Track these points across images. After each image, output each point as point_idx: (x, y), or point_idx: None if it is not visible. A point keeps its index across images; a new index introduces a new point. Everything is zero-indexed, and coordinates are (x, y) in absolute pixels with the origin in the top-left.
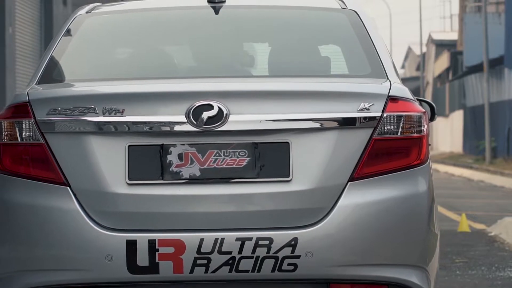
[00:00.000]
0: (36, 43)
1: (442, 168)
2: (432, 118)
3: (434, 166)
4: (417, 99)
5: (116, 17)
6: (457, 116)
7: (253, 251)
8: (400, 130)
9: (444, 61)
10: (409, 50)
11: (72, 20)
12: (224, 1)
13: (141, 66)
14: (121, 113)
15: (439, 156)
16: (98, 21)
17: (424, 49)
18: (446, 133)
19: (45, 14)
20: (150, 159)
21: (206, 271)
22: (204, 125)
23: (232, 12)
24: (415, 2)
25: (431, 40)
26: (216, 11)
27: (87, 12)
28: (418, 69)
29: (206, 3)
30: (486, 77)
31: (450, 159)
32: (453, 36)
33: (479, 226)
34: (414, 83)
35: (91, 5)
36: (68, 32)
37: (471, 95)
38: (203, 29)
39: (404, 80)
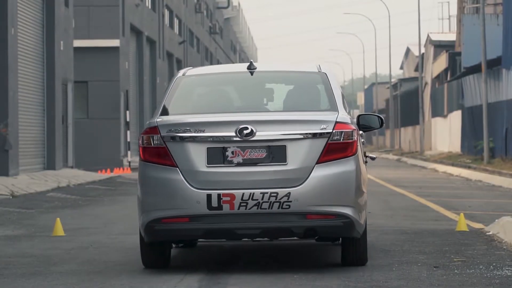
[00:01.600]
0: (38, 43)
1: (440, 168)
2: (381, 126)
3: (433, 166)
4: (369, 114)
5: (199, 77)
6: (455, 117)
7: (268, 199)
8: (341, 138)
9: (442, 62)
10: (408, 50)
11: (175, 80)
12: (255, 68)
13: (213, 105)
14: (203, 131)
15: (438, 156)
16: (189, 80)
17: (423, 50)
18: (445, 133)
19: (47, 15)
20: (217, 154)
21: (245, 208)
22: (244, 137)
23: (259, 74)
24: (414, 4)
25: (429, 41)
26: (252, 73)
27: (183, 75)
28: (416, 69)
29: (246, 69)
30: (484, 78)
31: (449, 159)
32: (452, 37)
33: (477, 225)
34: (412, 83)
35: (185, 69)
36: (173, 87)
37: (469, 95)
38: (245, 83)
39: (403, 81)
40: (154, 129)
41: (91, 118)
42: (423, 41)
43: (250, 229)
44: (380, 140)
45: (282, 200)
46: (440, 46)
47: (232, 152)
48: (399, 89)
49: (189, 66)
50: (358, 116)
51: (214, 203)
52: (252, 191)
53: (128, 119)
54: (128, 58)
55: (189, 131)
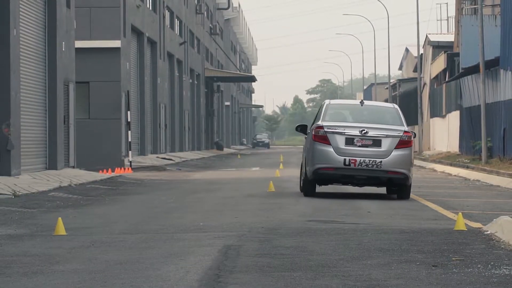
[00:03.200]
0: (40, 44)
1: (439, 167)
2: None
3: (432, 165)
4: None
5: (337, 104)
6: (454, 117)
7: (371, 163)
8: (406, 138)
9: (441, 63)
10: (407, 51)
11: (325, 104)
12: (363, 103)
13: (347, 118)
14: (344, 129)
15: (436, 156)
16: (334, 105)
17: (421, 51)
18: (443, 133)
19: (48, 16)
20: (350, 141)
21: (360, 166)
22: (364, 134)
23: (366, 105)
24: (413, 5)
25: (428, 42)
26: (361, 105)
27: (329, 102)
28: (415, 70)
29: (359, 103)
30: (482, 78)
31: (447, 158)
32: (450, 38)
33: (475, 224)
34: (411, 84)
35: (328, 100)
36: (324, 108)
37: (467, 96)
38: (359, 110)
39: (402, 81)
40: (320, 127)
41: (92, 118)
42: (421, 42)
43: (361, 176)
44: None
45: (377, 164)
46: (438, 47)
47: (357, 140)
48: (398, 90)
49: (191, 67)
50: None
51: (347, 163)
52: (364, 159)
53: (129, 119)
54: (129, 58)
55: (337, 130)
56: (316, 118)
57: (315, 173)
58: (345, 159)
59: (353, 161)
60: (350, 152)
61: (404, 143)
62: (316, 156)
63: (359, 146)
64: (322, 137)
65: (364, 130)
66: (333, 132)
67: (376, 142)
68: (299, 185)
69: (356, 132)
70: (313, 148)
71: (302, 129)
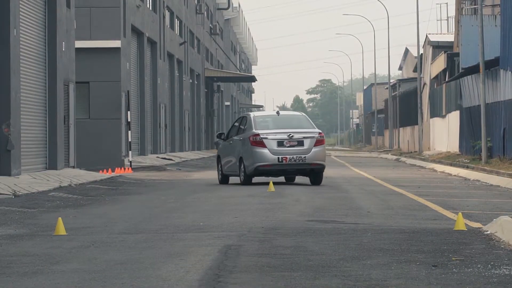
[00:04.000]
0: (40, 44)
1: (439, 167)
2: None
3: (432, 165)
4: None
5: (260, 116)
6: (454, 117)
7: (298, 159)
8: (321, 138)
9: (440, 63)
10: (407, 51)
11: (251, 116)
12: (279, 113)
13: (271, 126)
14: (275, 135)
15: (436, 156)
16: (258, 116)
17: (421, 51)
18: (443, 133)
19: (48, 16)
20: (280, 143)
21: (290, 162)
22: (291, 137)
23: (281, 115)
24: (413, 5)
25: (428, 42)
26: (278, 115)
27: (254, 115)
28: (415, 70)
29: (275, 113)
30: (482, 78)
31: (447, 159)
32: (450, 38)
33: (475, 224)
34: (411, 84)
35: (253, 112)
36: (253, 119)
37: (467, 96)
38: (277, 119)
39: (402, 81)
40: (257, 134)
41: (92, 118)
42: (421, 42)
43: (292, 169)
44: (379, 140)
45: (302, 159)
46: (438, 47)
47: (286, 142)
48: (398, 90)
49: (190, 67)
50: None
51: (280, 160)
52: (293, 156)
53: (129, 119)
54: (129, 58)
55: (270, 135)
56: (244, 128)
57: (256, 169)
58: (278, 157)
59: (285, 158)
60: (282, 152)
61: (319, 141)
62: (256, 157)
63: (288, 147)
64: (259, 142)
65: (291, 134)
66: (267, 138)
67: (300, 143)
68: (218, 179)
69: (284, 136)
70: (252, 151)
71: (220, 135)
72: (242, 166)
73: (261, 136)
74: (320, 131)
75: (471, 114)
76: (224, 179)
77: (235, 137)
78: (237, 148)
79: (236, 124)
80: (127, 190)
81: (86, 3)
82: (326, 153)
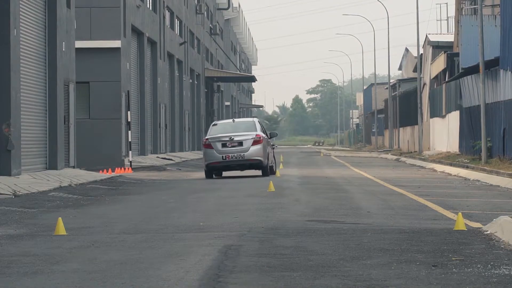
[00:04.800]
0: (40, 44)
1: (439, 167)
2: (272, 136)
3: (432, 165)
4: (271, 132)
5: (219, 123)
6: (454, 117)
7: (239, 156)
8: (258, 138)
9: (440, 63)
10: (407, 51)
11: (212, 125)
12: (234, 120)
13: (219, 132)
14: (220, 138)
15: (436, 156)
16: (217, 124)
17: (421, 51)
18: (443, 134)
19: (49, 16)
20: (224, 144)
21: (233, 159)
22: (232, 140)
23: (236, 122)
24: (412, 5)
25: (428, 42)
26: (233, 121)
27: (213, 124)
28: (415, 70)
29: (231, 120)
30: (482, 78)
31: (447, 158)
32: (450, 38)
33: (475, 224)
34: (411, 84)
35: (215, 121)
36: (211, 127)
37: (467, 96)
38: (231, 125)
39: (402, 81)
40: (207, 139)
41: (92, 118)
42: (421, 42)
43: (234, 164)
44: (379, 140)
45: (242, 156)
46: (438, 47)
47: (228, 144)
48: (398, 90)
49: (190, 67)
50: (270, 133)
51: (224, 158)
52: (234, 154)
53: (129, 119)
54: (129, 58)
55: (215, 139)
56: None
57: (208, 166)
58: (222, 156)
59: (227, 156)
60: (225, 151)
61: (256, 142)
62: (207, 156)
63: (230, 147)
64: (208, 145)
65: (232, 137)
66: (214, 141)
67: (240, 143)
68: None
69: (227, 139)
70: (204, 152)
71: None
72: (203, 164)
73: (209, 140)
74: (260, 133)
75: (471, 114)
76: (207, 174)
77: None
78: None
79: None
80: (127, 190)
81: (86, 3)
82: (326, 153)
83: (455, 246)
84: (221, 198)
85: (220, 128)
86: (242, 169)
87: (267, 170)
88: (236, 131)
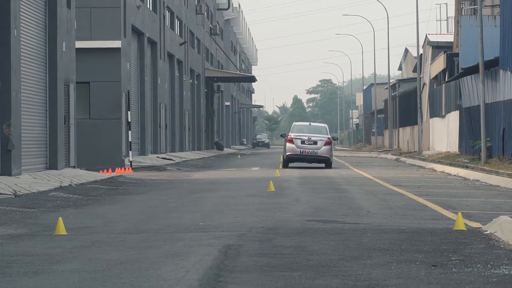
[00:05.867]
0: (41, 44)
1: (438, 167)
2: (334, 139)
3: (431, 165)
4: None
5: (299, 124)
6: (453, 117)
7: (313, 152)
8: (329, 141)
9: (440, 63)
10: (406, 52)
11: (293, 124)
12: (311, 124)
13: (303, 131)
14: (300, 136)
15: (436, 156)
16: (297, 125)
17: (421, 51)
18: (443, 133)
19: (49, 16)
20: (303, 142)
21: (308, 153)
22: (309, 139)
23: (312, 125)
24: (412, 5)
25: (427, 42)
26: (310, 125)
27: (294, 123)
28: (415, 70)
29: (308, 124)
30: (481, 79)
31: (447, 158)
32: (449, 38)
33: (474, 224)
34: (411, 84)
35: (295, 122)
36: (293, 126)
37: (467, 96)
38: (309, 127)
39: (402, 82)
40: (290, 135)
41: (93, 118)
42: (421, 42)
43: (308, 158)
44: (379, 140)
45: (315, 152)
46: (438, 47)
47: (306, 141)
48: (397, 90)
49: (190, 67)
50: (332, 137)
51: (301, 152)
52: (309, 150)
53: (129, 120)
54: (130, 59)
55: (297, 136)
56: (289, 131)
57: (288, 157)
58: (301, 150)
59: (304, 151)
60: (303, 147)
61: (327, 143)
62: (288, 149)
63: (307, 144)
64: (291, 140)
65: (310, 137)
66: (295, 138)
67: (315, 143)
68: (281, 164)
69: (306, 138)
70: (287, 145)
71: (283, 135)
72: (284, 155)
73: (291, 137)
74: (329, 136)
75: (471, 114)
76: (285, 164)
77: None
78: (284, 144)
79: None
80: (127, 190)
81: (87, 3)
82: None
83: (455, 246)
84: (221, 198)
85: (302, 129)
86: (314, 162)
87: (330, 165)
88: (312, 132)
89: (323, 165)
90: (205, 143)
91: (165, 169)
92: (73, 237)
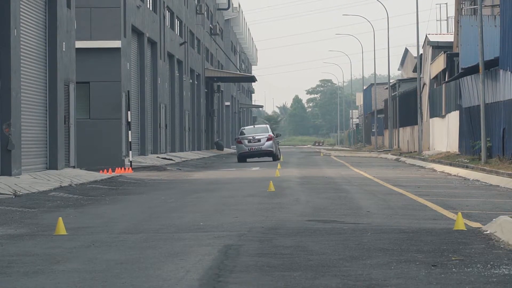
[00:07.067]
0: (41, 45)
1: (438, 167)
2: (277, 136)
3: (431, 165)
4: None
5: (246, 128)
6: (453, 117)
7: (258, 148)
8: (270, 138)
9: (440, 63)
10: (406, 52)
11: (241, 128)
12: (255, 126)
13: (249, 132)
14: (247, 137)
15: (436, 156)
16: (245, 129)
17: (421, 51)
18: (443, 133)
19: (49, 16)
20: (250, 141)
21: (255, 149)
22: (254, 138)
23: (256, 127)
24: (412, 5)
25: (427, 42)
26: (254, 127)
27: (242, 128)
28: (415, 70)
29: (253, 126)
30: (481, 79)
31: (447, 158)
32: (449, 38)
33: (474, 224)
34: (411, 84)
35: (243, 128)
36: (240, 131)
37: (467, 96)
38: (254, 128)
39: (402, 81)
40: (238, 137)
41: (93, 118)
42: (421, 42)
43: (255, 153)
44: (379, 140)
45: (260, 147)
46: (438, 47)
47: (252, 140)
48: (397, 90)
49: (190, 67)
50: (276, 134)
51: (249, 149)
52: (255, 147)
53: (129, 120)
54: (130, 59)
55: (244, 137)
56: (238, 134)
57: (240, 154)
58: (249, 148)
59: (252, 148)
60: (250, 145)
61: (269, 139)
62: (239, 148)
63: (253, 142)
64: (239, 141)
65: (254, 136)
66: (242, 139)
67: (259, 140)
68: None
69: (251, 137)
70: (237, 145)
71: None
72: (237, 154)
73: (239, 138)
74: (271, 133)
75: (471, 114)
76: (240, 161)
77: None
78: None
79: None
80: (127, 190)
81: (87, 3)
82: (326, 153)
83: (455, 246)
84: (221, 198)
85: (248, 131)
86: (260, 156)
87: (276, 156)
88: (256, 132)
89: (270, 158)
90: (205, 143)
91: (165, 169)
92: (73, 237)
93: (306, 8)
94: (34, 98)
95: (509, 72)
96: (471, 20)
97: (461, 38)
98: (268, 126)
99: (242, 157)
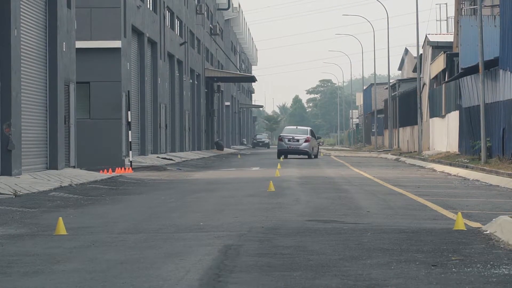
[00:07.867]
0: (41, 45)
1: (438, 167)
2: (318, 138)
3: (431, 165)
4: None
5: (288, 128)
6: (453, 117)
7: (296, 147)
8: (308, 139)
9: (440, 63)
10: (406, 52)
11: (284, 128)
12: (298, 127)
13: (290, 132)
14: (287, 136)
15: (436, 156)
16: (286, 128)
17: (421, 51)
18: (442, 133)
19: (49, 16)
20: (289, 140)
21: (292, 148)
22: (293, 138)
23: (298, 128)
24: (412, 5)
25: (427, 42)
26: (296, 128)
27: (285, 127)
28: (415, 70)
29: (295, 127)
30: (481, 79)
31: (447, 158)
32: (449, 38)
33: (474, 224)
34: (411, 84)
35: (286, 127)
36: (283, 129)
37: (466, 96)
38: (295, 129)
39: (402, 82)
40: (280, 135)
41: (93, 118)
42: (421, 43)
43: (293, 151)
44: (379, 140)
45: (298, 147)
46: (438, 47)
47: (291, 140)
48: (397, 90)
49: (190, 67)
50: (317, 136)
51: (288, 147)
52: (293, 146)
53: (129, 119)
54: (130, 59)
55: (285, 136)
56: (281, 132)
57: (279, 151)
58: (287, 146)
59: (290, 147)
60: (289, 144)
61: (307, 140)
62: (279, 145)
63: (292, 142)
64: (281, 139)
65: (293, 136)
66: (283, 137)
67: (298, 140)
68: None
69: (291, 137)
70: (278, 143)
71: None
72: (277, 149)
73: (281, 137)
74: (309, 136)
75: (471, 114)
76: (279, 156)
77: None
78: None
79: None
80: (128, 190)
81: (87, 4)
82: (326, 153)
83: (455, 246)
84: (221, 198)
85: (290, 131)
86: (297, 154)
87: (310, 155)
88: (296, 133)
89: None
90: (205, 143)
91: (165, 169)
92: (73, 237)
93: (306, 8)
94: (34, 98)
95: (509, 72)
96: (471, 20)
97: (461, 38)
98: (309, 129)
99: (280, 153)
